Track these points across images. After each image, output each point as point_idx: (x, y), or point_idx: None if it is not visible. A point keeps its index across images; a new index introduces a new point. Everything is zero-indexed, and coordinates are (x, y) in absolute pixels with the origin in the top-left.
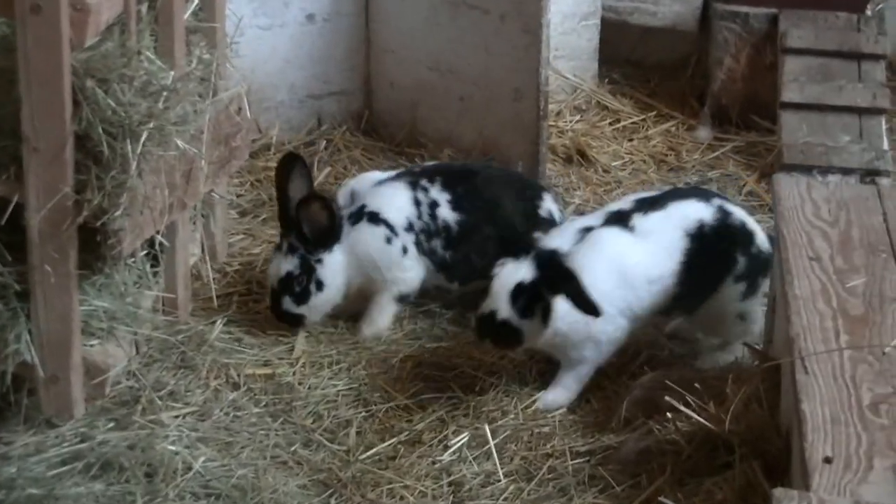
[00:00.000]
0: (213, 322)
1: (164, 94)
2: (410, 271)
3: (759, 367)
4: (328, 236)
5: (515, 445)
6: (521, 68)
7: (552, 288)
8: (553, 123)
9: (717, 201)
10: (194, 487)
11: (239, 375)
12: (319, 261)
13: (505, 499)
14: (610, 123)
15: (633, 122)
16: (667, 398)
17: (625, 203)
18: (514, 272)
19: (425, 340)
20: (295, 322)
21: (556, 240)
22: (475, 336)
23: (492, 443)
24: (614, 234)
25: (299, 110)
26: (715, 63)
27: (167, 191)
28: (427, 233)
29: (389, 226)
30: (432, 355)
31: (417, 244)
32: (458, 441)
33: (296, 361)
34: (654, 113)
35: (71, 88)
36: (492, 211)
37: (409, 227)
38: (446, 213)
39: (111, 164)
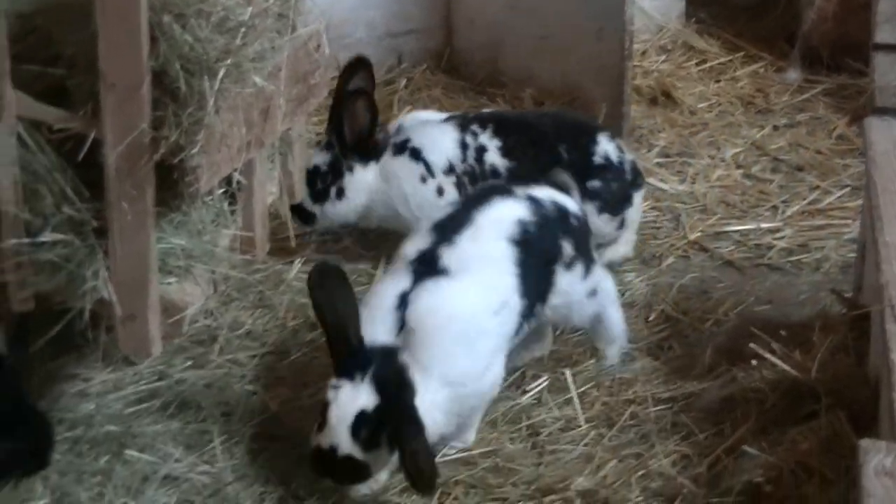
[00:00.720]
0: (291, 262)
1: (242, 29)
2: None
3: (847, 316)
4: (365, 143)
5: (596, 391)
6: (604, 6)
7: (395, 415)
8: (637, 64)
9: (521, 192)
10: (271, 428)
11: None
12: (350, 168)
13: (585, 444)
14: (696, 64)
15: (719, 63)
16: (751, 345)
17: (421, 240)
18: (352, 398)
19: None
20: (304, 219)
21: (375, 330)
22: (313, 472)
23: (572, 388)
24: (432, 291)
25: (378, 48)
26: (805, 2)
27: (244, 128)
28: (471, 175)
29: (427, 165)
30: None
31: (459, 186)
32: (538, 385)
33: None
34: (741, 54)
35: (148, 24)
36: (543, 160)
37: (450, 169)
38: (495, 159)
39: (188, 100)
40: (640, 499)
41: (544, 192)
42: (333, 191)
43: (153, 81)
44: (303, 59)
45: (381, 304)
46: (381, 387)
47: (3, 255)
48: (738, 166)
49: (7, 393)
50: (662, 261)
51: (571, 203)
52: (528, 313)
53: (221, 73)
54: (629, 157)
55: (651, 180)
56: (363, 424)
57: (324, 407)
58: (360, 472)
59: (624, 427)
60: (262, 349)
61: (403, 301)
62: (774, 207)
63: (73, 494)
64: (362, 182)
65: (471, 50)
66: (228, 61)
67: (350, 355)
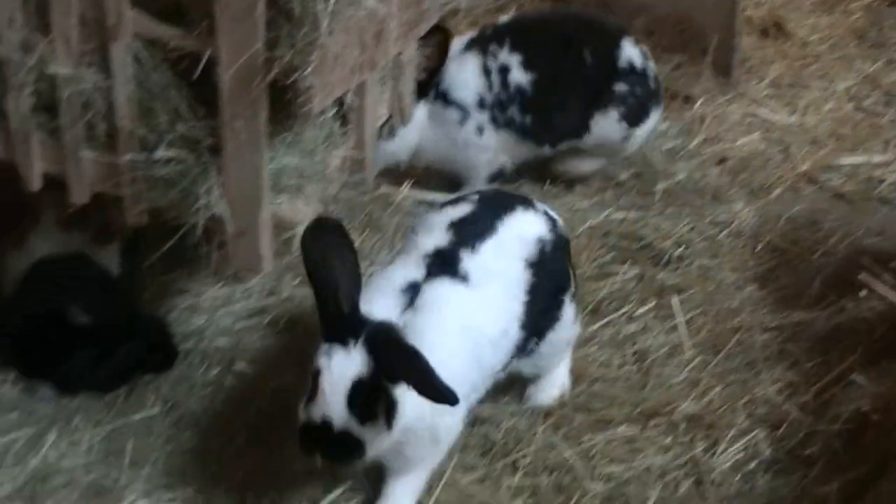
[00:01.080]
0: (401, 184)
1: None
2: (490, 151)
3: None
4: (425, 83)
5: (702, 318)
6: None
7: (394, 376)
8: None
9: (540, 206)
10: None
11: None
12: (405, 124)
13: (691, 370)
14: None
15: None
16: (860, 276)
17: (439, 234)
18: (346, 365)
19: (612, 210)
20: None
21: (378, 307)
22: (300, 449)
23: (679, 315)
24: (448, 289)
25: None
26: None
27: (357, 50)
28: (500, 105)
29: (460, 106)
30: (619, 225)
31: (493, 120)
32: (644, 311)
33: None
34: None
35: None
36: (566, 67)
37: (482, 104)
38: (518, 76)
39: (302, 21)
40: (745, 424)
41: (547, 209)
42: (385, 130)
43: (268, 2)
44: None
45: (388, 284)
46: (373, 344)
47: (118, 171)
48: (850, 99)
49: (126, 302)
50: (771, 192)
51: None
52: (520, 349)
53: None
54: (653, 65)
55: (761, 111)
56: (360, 393)
57: (313, 376)
58: (356, 449)
59: (730, 354)
60: (371, 268)
61: (413, 288)
62: (886, 141)
63: (184, 405)
64: (412, 119)
65: None
66: None
67: (341, 318)
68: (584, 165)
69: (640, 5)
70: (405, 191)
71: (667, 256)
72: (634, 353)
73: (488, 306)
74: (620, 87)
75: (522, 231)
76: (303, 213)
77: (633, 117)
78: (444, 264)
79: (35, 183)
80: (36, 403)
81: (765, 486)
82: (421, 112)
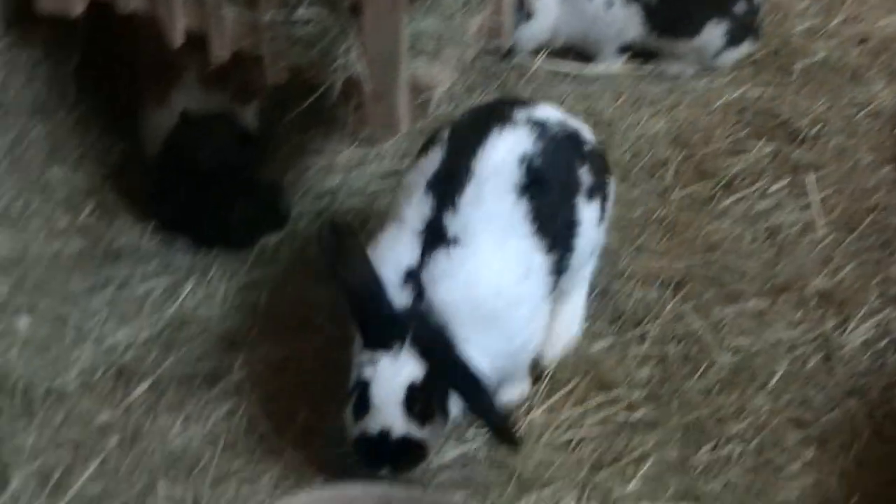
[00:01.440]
0: (538, 52)
1: None
2: (618, 23)
3: None
4: None
5: (837, 197)
6: None
7: (448, 380)
8: None
9: (520, 114)
10: None
11: (559, 108)
12: None
13: (823, 248)
14: None
15: None
16: None
17: (422, 205)
18: (397, 371)
19: (749, 87)
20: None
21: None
22: (362, 464)
23: (812, 193)
24: (448, 266)
25: None
26: None
27: None
28: None
29: None
30: (755, 102)
31: None
32: (778, 188)
33: (617, 97)
34: None
35: None
36: None
37: None
38: None
39: None
40: (877, 303)
41: (546, 113)
42: (524, 12)
43: None
44: None
45: (389, 268)
46: (424, 349)
47: (259, 29)
48: None
49: (255, 164)
50: None
51: (580, 124)
52: (557, 269)
53: None
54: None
55: None
56: (416, 398)
57: (361, 388)
58: (418, 452)
59: (864, 234)
60: None
61: (412, 277)
62: None
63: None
64: (546, 1)
65: None
66: None
67: (382, 323)
68: (673, 67)
69: None
70: (539, 61)
71: (803, 134)
72: (766, 229)
73: (495, 259)
74: (739, 7)
75: (500, 160)
76: (440, 76)
77: (734, 39)
78: (435, 236)
79: (177, 39)
80: (174, 254)
81: (894, 364)
82: None
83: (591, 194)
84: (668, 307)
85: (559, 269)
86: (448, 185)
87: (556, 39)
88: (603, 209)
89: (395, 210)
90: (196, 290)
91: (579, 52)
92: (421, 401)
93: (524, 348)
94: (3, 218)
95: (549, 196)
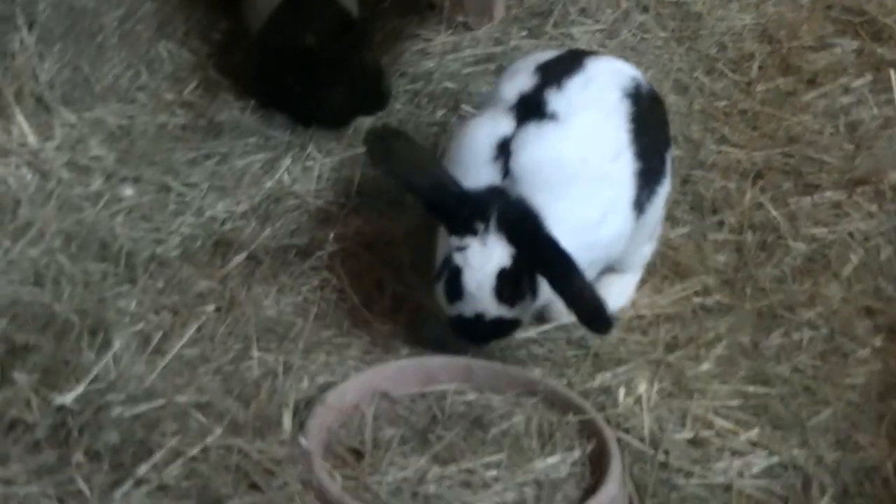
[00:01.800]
0: None
1: None
2: None
3: None
4: None
5: None
6: None
7: (536, 263)
8: None
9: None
10: None
11: None
12: None
13: None
14: None
15: None
16: None
17: (523, 80)
18: (485, 257)
19: None
20: None
21: (479, 171)
22: (457, 337)
23: None
24: (539, 137)
25: None
26: None
27: None
28: None
29: None
30: None
31: None
32: (860, 83)
33: None
34: None
35: None
36: None
37: None
38: None
39: None
40: None
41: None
42: None
43: None
44: None
45: (475, 154)
46: (511, 231)
47: None
48: None
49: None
50: None
51: None
52: (640, 187)
53: None
54: None
55: None
56: (507, 283)
57: (453, 273)
58: (511, 327)
59: None
60: (594, 26)
61: (504, 148)
62: None
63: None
64: None
65: None
66: None
67: (461, 206)
68: None
69: None
70: None
71: (889, 32)
72: (847, 123)
73: (589, 134)
74: None
75: (615, 67)
76: None
77: None
78: (531, 110)
79: None
80: (273, 131)
81: None
82: None
83: (669, 167)
84: (747, 196)
85: (643, 189)
86: (557, 69)
87: None
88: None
89: (496, 89)
90: (293, 166)
91: None
92: (511, 284)
93: (607, 233)
94: (112, 90)
95: (647, 118)
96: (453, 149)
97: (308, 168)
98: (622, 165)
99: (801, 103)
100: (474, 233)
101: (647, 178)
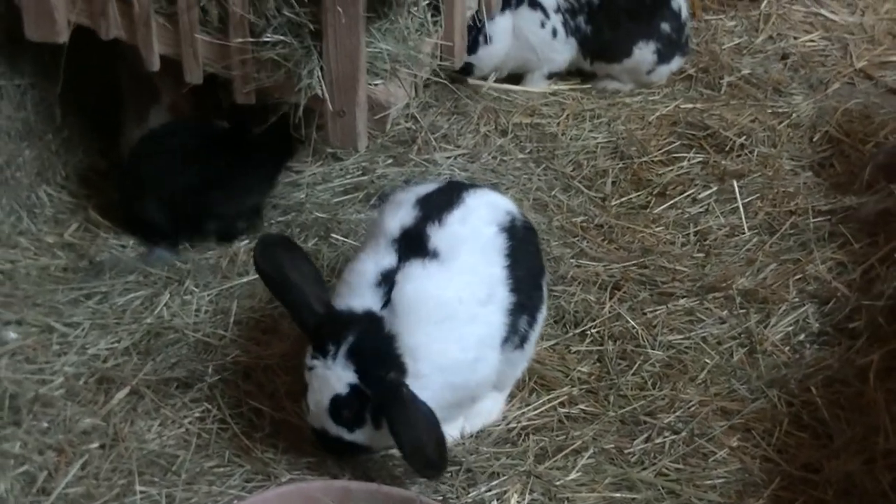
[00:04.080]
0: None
1: None
2: (560, 52)
3: None
4: None
5: (760, 202)
6: None
7: (380, 407)
8: None
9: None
10: None
11: (507, 123)
12: (491, 17)
13: (748, 249)
14: None
15: None
16: None
17: (405, 212)
18: (326, 379)
19: (681, 101)
20: (464, 71)
21: (363, 294)
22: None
23: (738, 198)
24: (420, 273)
25: None
26: None
27: None
28: (572, 11)
29: (544, 9)
30: (687, 115)
31: (565, 24)
32: (707, 194)
33: (561, 112)
34: None
35: None
36: None
37: (557, 9)
38: None
39: None
40: (796, 300)
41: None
42: (481, 37)
43: None
44: None
45: (361, 279)
46: (358, 360)
47: (230, 53)
48: None
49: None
50: (829, 86)
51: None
52: (516, 314)
53: None
54: (691, 24)
55: (822, 11)
56: (342, 408)
57: (304, 388)
58: (358, 449)
59: (785, 235)
60: (456, 151)
61: (387, 278)
62: None
63: None
64: (501, 27)
65: None
66: None
67: (322, 324)
68: (611, 85)
69: None
70: (490, 82)
71: (730, 144)
72: (696, 232)
73: (466, 274)
74: (665, 26)
75: (491, 201)
76: (395, 95)
77: (664, 56)
78: (413, 245)
79: (154, 64)
80: (151, 268)
81: (812, 355)
82: (505, 22)
83: (545, 295)
84: (606, 308)
85: (516, 322)
86: (437, 202)
87: (507, 63)
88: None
89: (379, 219)
90: (172, 301)
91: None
92: (348, 410)
93: (477, 375)
94: None
95: (524, 251)
96: (345, 270)
97: (187, 302)
98: (497, 305)
99: (654, 215)
100: (324, 354)
101: (525, 310)
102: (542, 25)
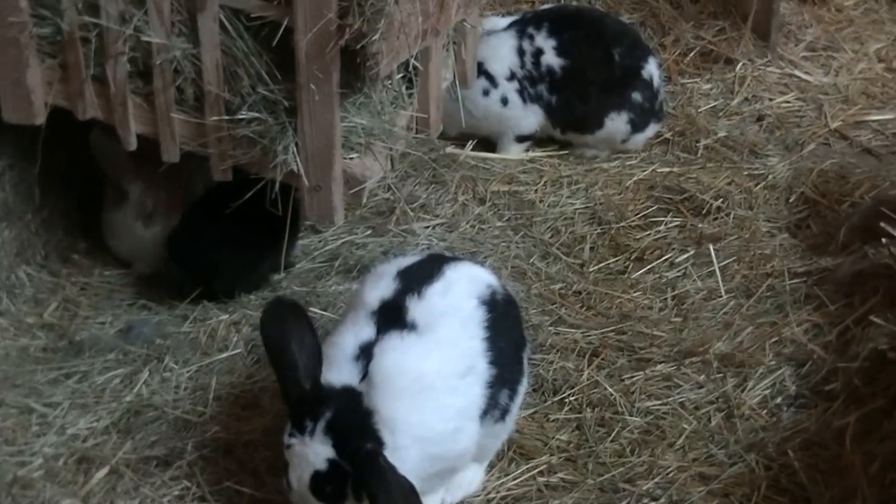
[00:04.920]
0: (463, 143)
1: None
2: (519, 119)
3: None
4: None
5: (737, 265)
6: None
7: (360, 483)
8: None
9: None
10: None
11: (485, 191)
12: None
13: (725, 313)
14: None
15: None
16: (882, 224)
17: (384, 285)
18: (305, 456)
19: (658, 165)
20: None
21: (341, 368)
22: None
23: (715, 262)
24: (398, 345)
25: None
26: None
27: (421, 18)
28: (531, 79)
29: (490, 77)
30: (664, 179)
31: (521, 91)
32: (684, 258)
33: (539, 179)
34: None
35: None
36: (596, 59)
37: (511, 76)
38: (551, 59)
39: None
40: (773, 363)
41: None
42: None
43: None
44: None
45: (340, 352)
46: (335, 435)
47: (206, 131)
48: (881, 60)
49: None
50: (804, 147)
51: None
52: (493, 394)
53: None
54: (664, 90)
55: (797, 73)
56: (323, 484)
57: (284, 465)
58: None
59: (761, 297)
60: (434, 221)
61: (366, 351)
62: None
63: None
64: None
65: None
66: None
67: (302, 400)
68: (588, 152)
69: None
70: (467, 150)
71: (706, 207)
72: (674, 297)
73: (445, 346)
74: (637, 96)
75: (472, 274)
76: (371, 168)
77: (638, 125)
78: (391, 318)
79: (131, 143)
80: (130, 346)
81: (789, 418)
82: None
83: (525, 367)
84: (585, 375)
85: (496, 396)
86: (418, 275)
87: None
88: (520, 392)
89: (359, 291)
90: (151, 379)
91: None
92: (330, 486)
93: (457, 446)
94: None
95: (504, 325)
96: (326, 344)
97: (166, 379)
98: (476, 378)
99: (632, 280)
100: (302, 431)
101: (504, 383)
102: (486, 93)
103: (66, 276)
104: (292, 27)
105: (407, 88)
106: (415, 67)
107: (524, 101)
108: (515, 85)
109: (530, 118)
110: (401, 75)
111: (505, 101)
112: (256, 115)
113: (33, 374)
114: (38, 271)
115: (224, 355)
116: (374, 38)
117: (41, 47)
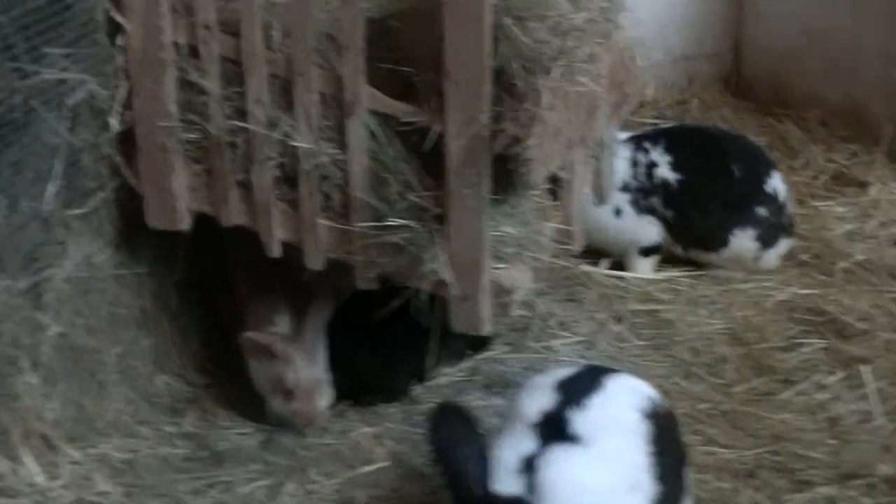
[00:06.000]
0: (597, 261)
1: (574, 33)
2: (632, 230)
3: None
4: None
5: (892, 388)
6: (892, 31)
7: None
8: None
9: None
10: None
11: (622, 310)
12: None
13: (885, 435)
14: None
15: None
16: None
17: (543, 396)
18: None
19: (796, 287)
20: None
21: (503, 480)
22: None
23: (868, 383)
24: (564, 457)
25: (673, 70)
26: None
27: (572, 126)
28: (643, 191)
29: None
30: (803, 300)
31: (634, 203)
32: (834, 380)
33: (675, 298)
34: None
35: (491, 26)
36: (713, 174)
37: (624, 188)
38: (665, 173)
39: (525, 96)
40: None
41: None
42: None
43: (493, 79)
44: (619, 68)
45: (501, 464)
46: None
47: (352, 238)
48: None
49: None
50: None
51: None
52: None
53: (556, 72)
54: (792, 205)
55: None
56: None
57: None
58: None
59: None
60: (573, 338)
61: (529, 464)
62: None
63: (408, 460)
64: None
65: (758, 73)
66: (562, 61)
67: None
68: (722, 273)
69: (815, 97)
70: (602, 268)
71: (851, 330)
72: (827, 419)
73: (610, 460)
74: (761, 211)
75: (631, 385)
76: (519, 279)
77: (767, 241)
78: (553, 430)
79: (275, 250)
80: (273, 456)
81: None
82: None
83: (688, 485)
84: (744, 496)
85: None
86: (577, 387)
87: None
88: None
89: (516, 404)
90: (297, 491)
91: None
92: None
93: None
94: (114, 426)
95: (667, 437)
96: None
97: (311, 491)
98: (643, 494)
99: (780, 401)
100: None
101: (668, 499)
102: (598, 204)
103: (203, 387)
104: (443, 132)
105: (550, 199)
106: (558, 178)
107: (637, 212)
108: (628, 196)
109: (647, 228)
110: (545, 187)
111: (618, 212)
112: (404, 222)
113: (176, 484)
114: (175, 380)
115: (369, 468)
116: (528, 144)
117: (187, 152)
